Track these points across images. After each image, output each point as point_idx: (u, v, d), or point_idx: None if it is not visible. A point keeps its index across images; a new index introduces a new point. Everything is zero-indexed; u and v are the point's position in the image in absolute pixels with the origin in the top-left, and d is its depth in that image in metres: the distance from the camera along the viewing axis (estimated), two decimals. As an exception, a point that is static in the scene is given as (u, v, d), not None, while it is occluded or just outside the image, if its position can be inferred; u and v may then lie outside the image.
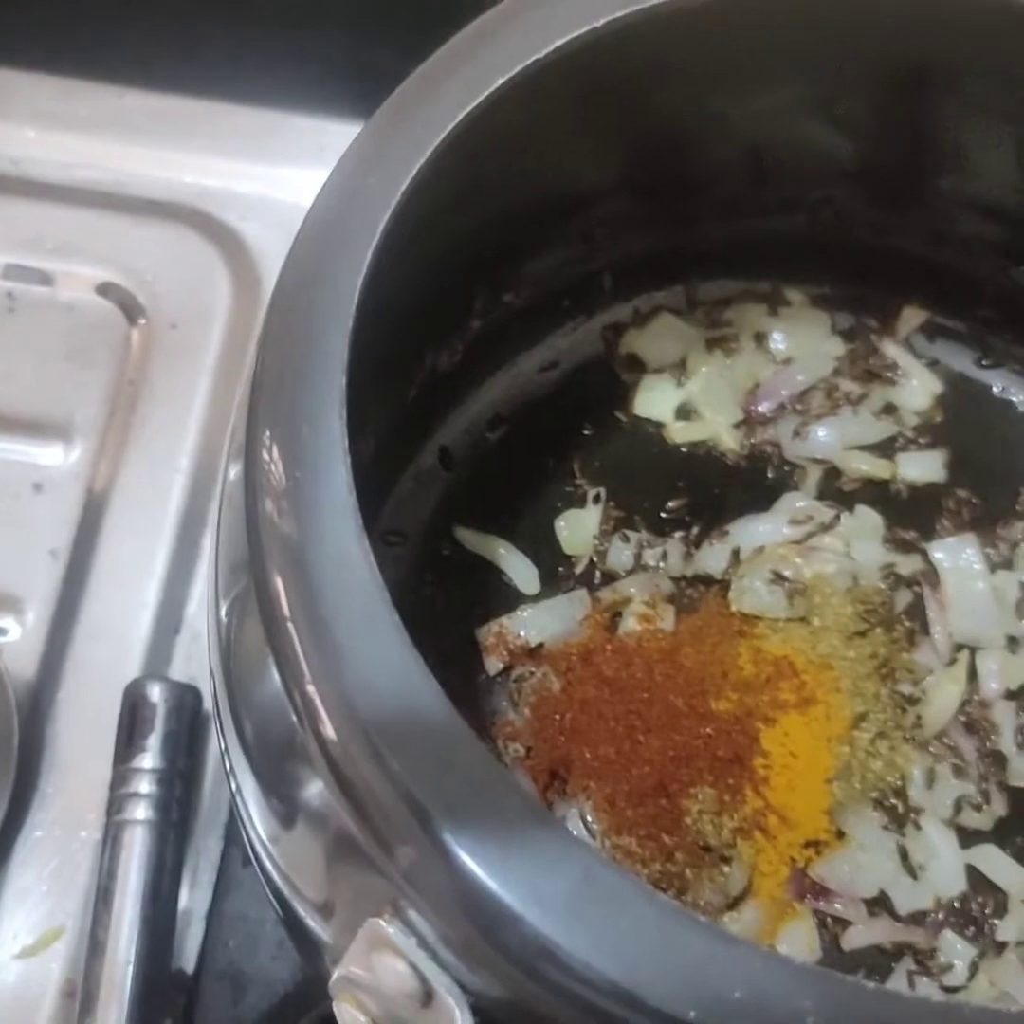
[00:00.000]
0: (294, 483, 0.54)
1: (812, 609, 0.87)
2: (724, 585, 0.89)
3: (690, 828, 0.79)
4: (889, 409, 0.96)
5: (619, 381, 0.97)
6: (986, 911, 0.82)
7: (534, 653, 0.86)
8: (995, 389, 0.98)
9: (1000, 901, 0.82)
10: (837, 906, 0.81)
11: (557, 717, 0.83)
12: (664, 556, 0.90)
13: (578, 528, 0.91)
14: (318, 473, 0.54)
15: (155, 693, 0.88)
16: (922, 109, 0.83)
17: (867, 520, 0.92)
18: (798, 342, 0.97)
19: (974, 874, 0.83)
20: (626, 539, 0.90)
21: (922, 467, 0.94)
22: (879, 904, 0.82)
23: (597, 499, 0.92)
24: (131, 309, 1.08)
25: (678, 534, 0.92)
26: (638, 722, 0.81)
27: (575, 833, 0.71)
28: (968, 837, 0.84)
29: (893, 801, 0.83)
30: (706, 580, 0.90)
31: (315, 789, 0.54)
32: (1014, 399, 0.97)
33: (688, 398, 0.96)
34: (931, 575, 0.89)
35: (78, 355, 1.05)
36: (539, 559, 0.90)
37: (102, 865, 0.84)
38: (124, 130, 1.16)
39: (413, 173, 0.61)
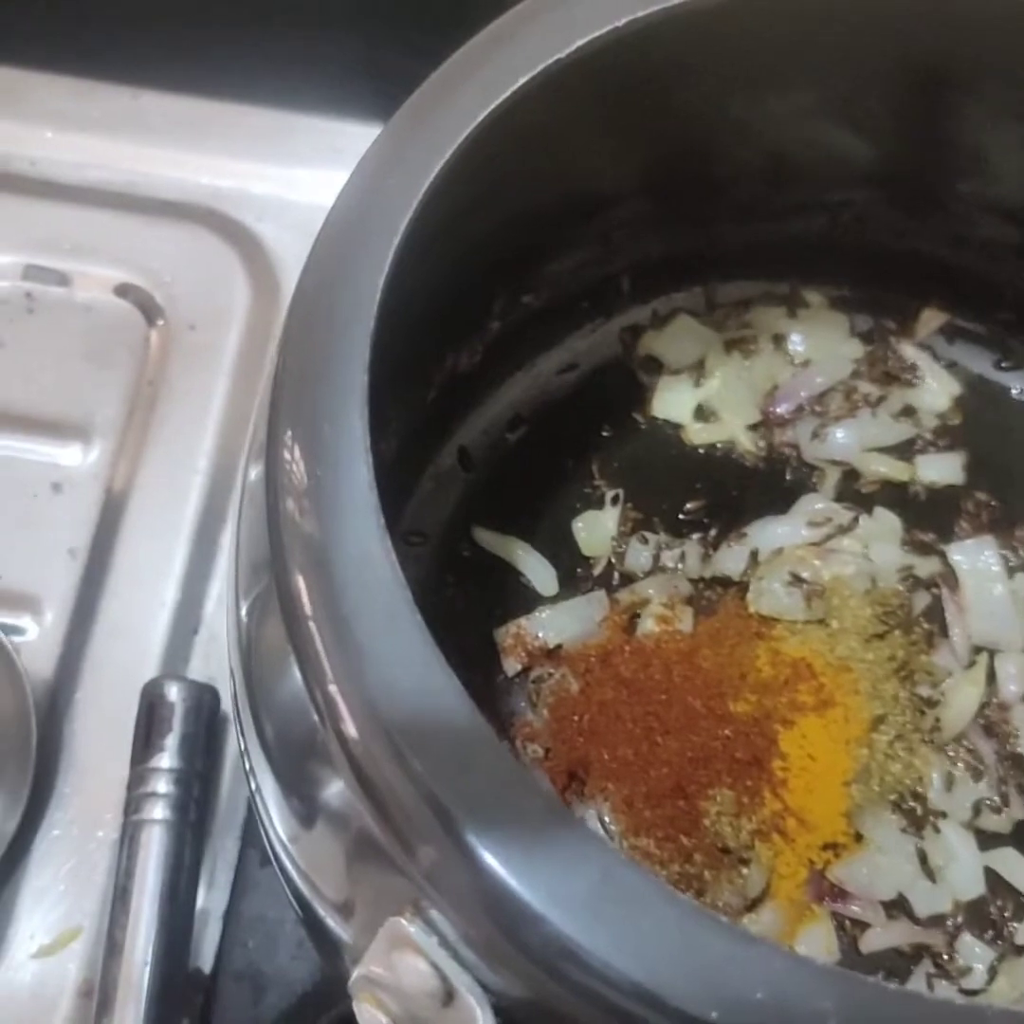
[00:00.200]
0: (316, 482, 0.54)
1: (830, 611, 0.86)
2: (742, 587, 0.89)
3: (708, 830, 0.79)
4: (908, 411, 0.96)
5: (637, 383, 0.97)
6: (1005, 914, 0.82)
7: (552, 654, 0.87)
8: (1014, 391, 0.97)
9: (1019, 904, 0.82)
10: (855, 909, 0.81)
11: (575, 718, 0.83)
12: (682, 558, 0.90)
13: (596, 529, 0.92)
14: (340, 472, 0.54)
15: (173, 693, 0.88)
16: (942, 112, 0.83)
17: (886, 522, 0.91)
18: (817, 344, 0.97)
19: (993, 877, 0.83)
20: (644, 540, 0.91)
21: (941, 469, 0.94)
22: (897, 907, 0.82)
23: (615, 500, 0.92)
24: (149, 310, 1.08)
25: (696, 536, 0.92)
26: (656, 723, 0.81)
27: (594, 834, 0.71)
28: (987, 840, 0.84)
29: (912, 804, 0.83)
30: (724, 582, 0.90)
31: (336, 789, 0.54)
32: (1033, 401, 0.97)
33: (706, 400, 0.96)
34: (950, 577, 0.89)
35: (97, 356, 1.05)
36: (557, 560, 0.91)
37: (119, 865, 0.84)
38: (140, 131, 1.16)
39: (434, 174, 0.61)
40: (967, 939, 0.81)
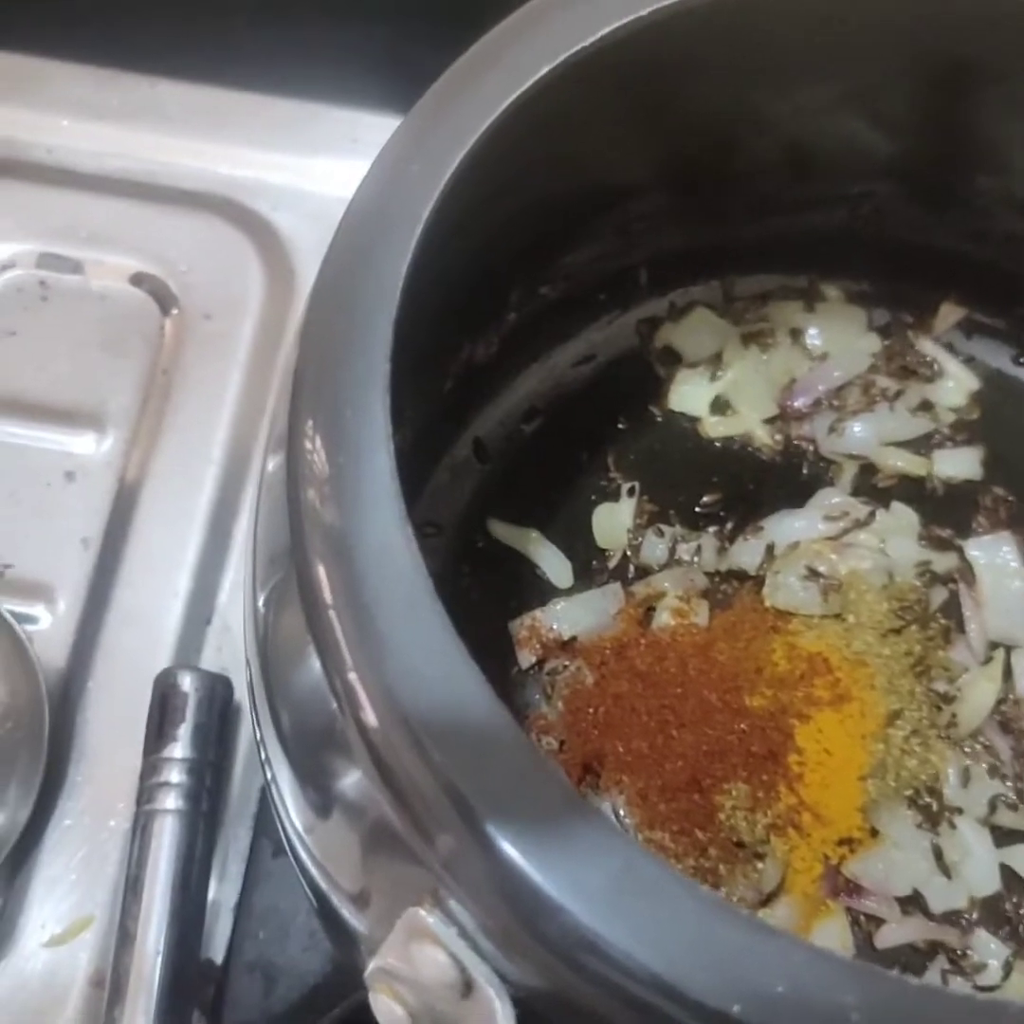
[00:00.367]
0: (337, 469, 0.54)
1: (847, 606, 0.86)
2: (758, 581, 0.89)
3: (723, 824, 0.79)
4: (925, 406, 0.96)
5: (654, 375, 0.97)
6: (1020, 911, 0.82)
7: (567, 646, 0.86)
8: (1033, 387, 0.97)
9: (1035, 901, 0.82)
10: (870, 904, 0.81)
11: (590, 711, 0.83)
12: (698, 551, 0.90)
13: (612, 522, 0.91)
14: (361, 459, 0.54)
15: (186, 682, 0.88)
16: (962, 105, 0.82)
17: (903, 517, 0.91)
18: (834, 338, 0.97)
19: (1008, 874, 0.82)
20: (660, 533, 0.90)
21: (958, 464, 0.94)
22: (913, 903, 0.81)
23: (631, 493, 0.92)
24: (164, 299, 1.08)
25: (712, 529, 0.91)
26: (671, 717, 0.81)
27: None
28: (1003, 836, 0.83)
29: (927, 799, 0.83)
30: (740, 575, 0.90)
31: (354, 778, 0.54)
32: (1052, 397, 0.97)
33: (723, 393, 0.95)
34: (967, 573, 0.89)
35: (111, 344, 1.05)
36: (573, 553, 0.90)
37: (131, 854, 0.84)
38: (158, 120, 1.16)
39: (456, 163, 0.61)
40: (982, 935, 0.80)
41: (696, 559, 0.90)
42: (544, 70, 0.63)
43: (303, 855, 0.66)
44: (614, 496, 0.92)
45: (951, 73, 0.79)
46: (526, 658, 0.86)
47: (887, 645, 0.85)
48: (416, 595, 0.52)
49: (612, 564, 0.91)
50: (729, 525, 0.92)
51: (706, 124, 0.82)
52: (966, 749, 0.85)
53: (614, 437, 0.95)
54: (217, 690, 0.89)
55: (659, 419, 0.96)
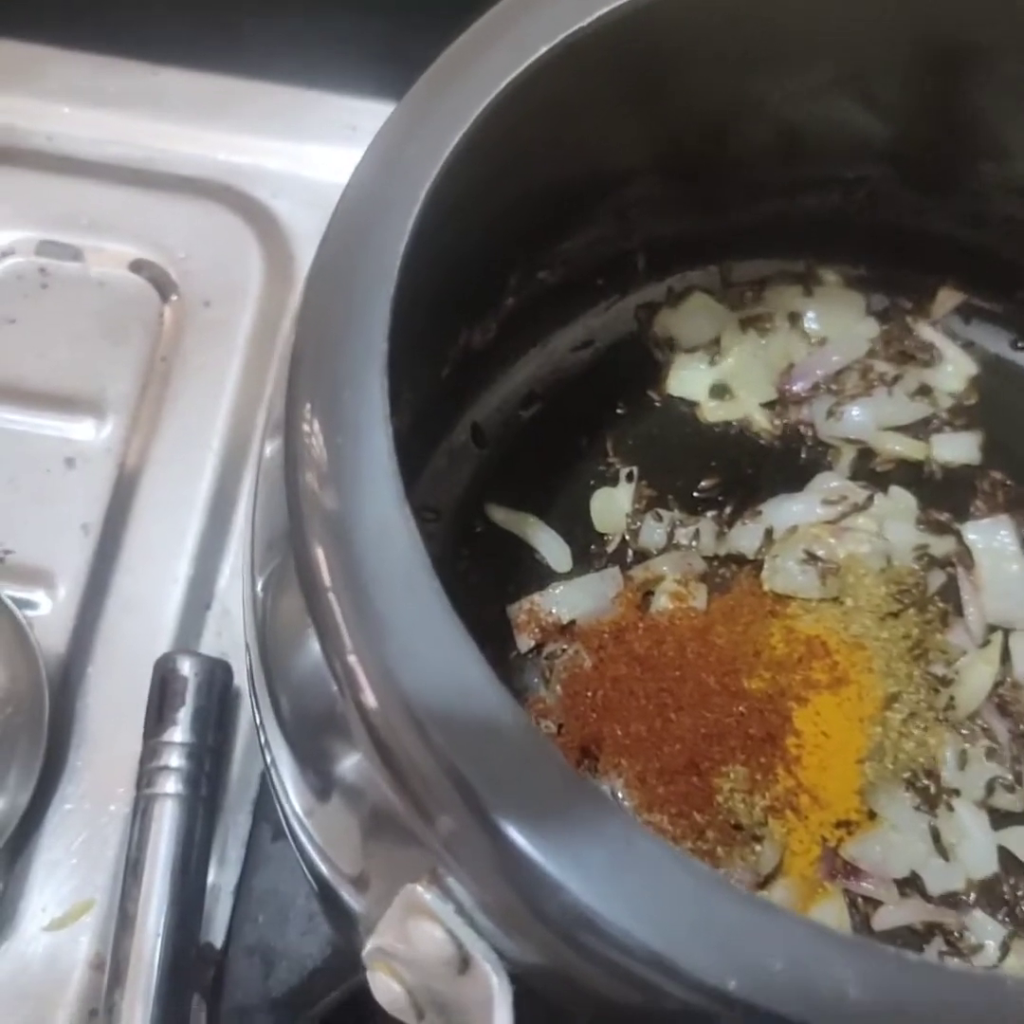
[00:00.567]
0: (335, 451, 0.54)
1: (845, 589, 0.86)
2: (757, 565, 0.89)
3: (721, 806, 0.79)
4: (924, 390, 0.96)
5: (653, 360, 0.97)
6: (1018, 892, 0.82)
7: (566, 630, 0.87)
8: (1031, 371, 0.97)
9: (1032, 883, 0.83)
10: (868, 886, 0.81)
11: (588, 694, 0.83)
12: (697, 535, 0.90)
13: (611, 506, 0.92)
14: (360, 439, 0.54)
15: (186, 667, 0.88)
16: (958, 87, 0.82)
17: (901, 501, 0.91)
18: (833, 323, 0.97)
19: (1006, 855, 0.83)
20: (659, 518, 0.90)
21: (956, 448, 0.94)
22: (910, 884, 0.82)
23: (630, 478, 0.92)
24: (163, 286, 1.08)
25: (711, 513, 0.92)
26: (670, 700, 0.81)
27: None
28: (1000, 819, 0.84)
29: (925, 782, 0.83)
30: (739, 559, 0.90)
31: (354, 760, 0.54)
32: (1050, 382, 0.97)
33: (722, 378, 0.96)
34: (965, 556, 0.89)
35: (111, 331, 1.06)
36: (572, 537, 0.91)
37: (131, 838, 0.85)
38: (157, 107, 1.16)
39: (453, 145, 0.61)
40: (979, 917, 0.81)
41: (695, 543, 0.90)
42: (541, 51, 0.63)
43: (303, 838, 0.66)
44: (613, 481, 0.93)
45: (947, 56, 0.79)
46: (525, 642, 0.87)
47: (885, 628, 0.85)
48: (415, 576, 0.52)
49: (611, 548, 0.91)
50: (727, 509, 0.92)
51: (703, 107, 0.82)
52: (964, 732, 0.85)
53: (613, 422, 0.95)
54: (217, 674, 0.89)
55: (658, 404, 0.96)
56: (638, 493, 0.92)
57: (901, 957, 0.46)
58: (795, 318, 0.97)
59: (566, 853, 0.47)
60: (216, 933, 0.87)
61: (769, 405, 0.95)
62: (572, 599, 0.87)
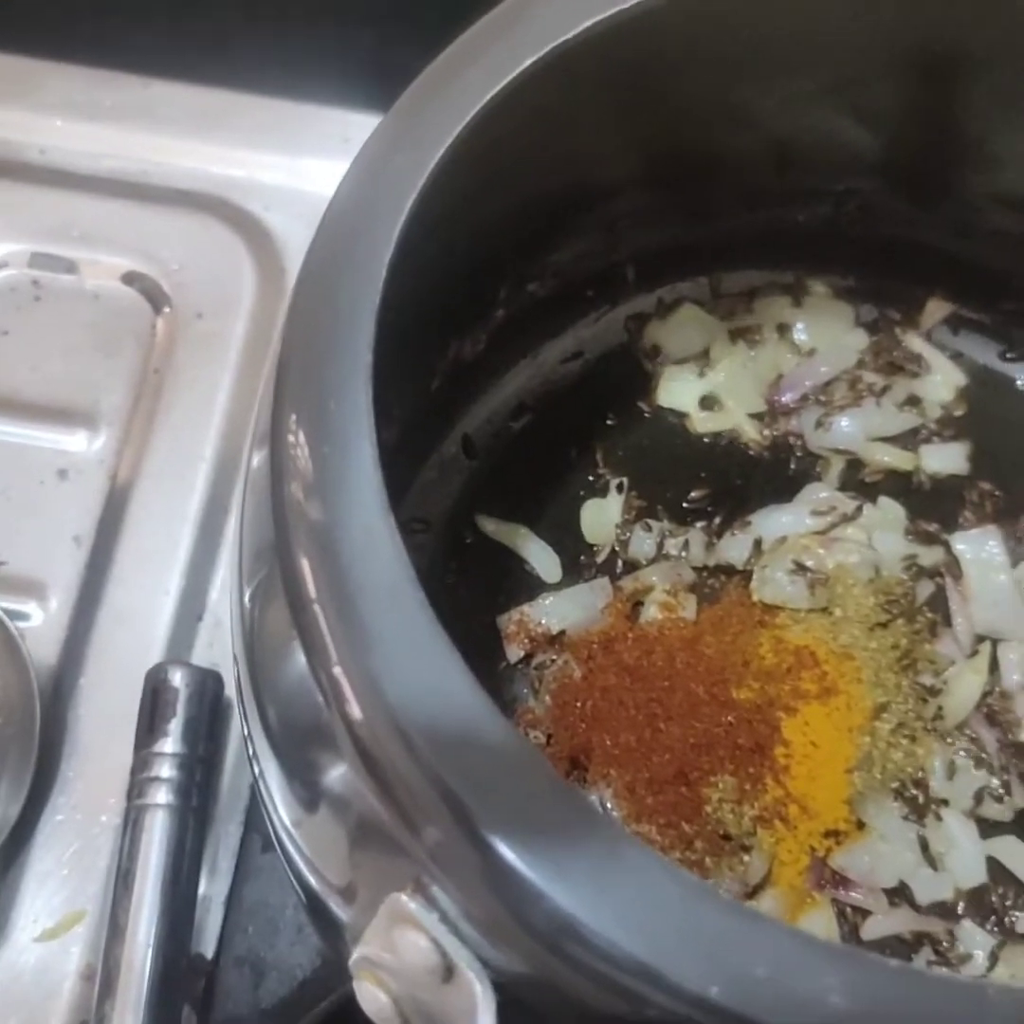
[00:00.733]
0: (321, 461, 0.54)
1: (834, 599, 0.87)
2: (746, 575, 0.89)
3: (710, 816, 0.79)
4: (912, 401, 0.96)
5: (642, 371, 0.97)
6: (1006, 902, 0.82)
7: (555, 641, 0.87)
8: (1019, 382, 0.97)
9: (1020, 892, 0.82)
10: (857, 896, 0.81)
11: (578, 705, 0.83)
12: (686, 546, 0.90)
13: (600, 517, 0.92)
14: (347, 449, 0.54)
15: (177, 678, 0.88)
16: (948, 99, 0.82)
17: (889, 511, 0.91)
18: (821, 334, 0.98)
19: (994, 865, 0.83)
20: (648, 528, 0.91)
21: (945, 459, 0.94)
22: (899, 894, 0.82)
23: (620, 488, 0.92)
24: (156, 298, 1.08)
25: (700, 524, 0.92)
26: (659, 710, 0.81)
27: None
28: (989, 828, 0.84)
29: (914, 792, 0.83)
30: (728, 570, 0.90)
31: (340, 771, 0.54)
32: (1038, 392, 0.97)
33: (711, 389, 0.96)
34: (953, 567, 0.90)
35: (103, 343, 1.06)
36: (561, 548, 0.91)
37: (122, 849, 0.85)
38: (150, 120, 1.16)
39: (439, 155, 0.61)
40: (968, 926, 0.81)
41: (684, 554, 0.90)
42: (528, 62, 0.64)
43: (291, 849, 0.66)
44: (602, 492, 0.93)
45: (937, 67, 0.79)
46: (514, 652, 0.87)
47: (874, 639, 0.85)
48: (400, 587, 0.52)
49: (600, 559, 0.91)
50: (717, 520, 0.92)
51: (691, 118, 0.82)
52: (952, 742, 0.85)
53: (602, 433, 0.95)
54: (208, 685, 0.89)
55: (647, 415, 0.96)
56: (628, 504, 0.92)
57: (884, 965, 0.47)
58: (784, 329, 0.98)
59: (550, 862, 0.47)
60: (207, 944, 0.87)
61: (758, 416, 0.95)
62: (562, 609, 0.87)
